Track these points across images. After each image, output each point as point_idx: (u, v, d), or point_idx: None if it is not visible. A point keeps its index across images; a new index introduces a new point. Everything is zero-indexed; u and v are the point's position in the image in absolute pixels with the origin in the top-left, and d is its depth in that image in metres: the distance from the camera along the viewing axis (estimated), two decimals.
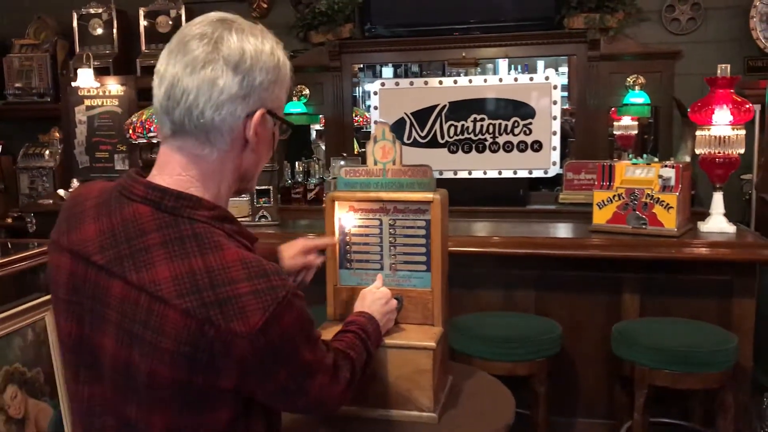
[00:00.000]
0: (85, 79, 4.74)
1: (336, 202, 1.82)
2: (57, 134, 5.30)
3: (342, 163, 4.44)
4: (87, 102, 4.86)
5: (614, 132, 4.91)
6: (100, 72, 5.00)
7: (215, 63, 1.18)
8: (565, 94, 5.29)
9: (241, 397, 1.19)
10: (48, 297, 2.81)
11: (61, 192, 4.38)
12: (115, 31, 5.23)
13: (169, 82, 1.19)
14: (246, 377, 1.15)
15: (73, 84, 4.84)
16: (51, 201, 4.42)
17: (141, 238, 1.16)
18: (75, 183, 4.39)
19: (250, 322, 1.11)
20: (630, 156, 4.47)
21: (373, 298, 1.71)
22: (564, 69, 5.82)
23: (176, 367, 1.12)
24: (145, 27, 5.15)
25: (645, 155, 3.30)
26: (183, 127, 1.20)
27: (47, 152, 5.27)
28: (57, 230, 1.27)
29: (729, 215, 3.11)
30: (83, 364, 1.24)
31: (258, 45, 1.21)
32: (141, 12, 5.16)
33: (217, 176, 1.24)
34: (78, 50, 5.26)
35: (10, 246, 3.18)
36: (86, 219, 1.23)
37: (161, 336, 1.12)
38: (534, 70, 6.27)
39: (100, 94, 4.80)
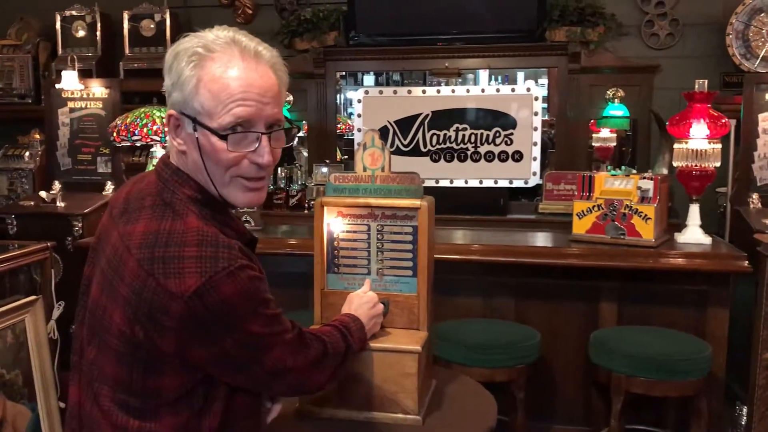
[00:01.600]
0: (69, 81, 4.72)
1: (325, 207, 1.85)
2: (37, 136, 5.26)
3: (324, 170, 4.47)
4: (70, 104, 4.83)
5: (593, 144, 4.98)
6: (83, 74, 4.97)
7: None
8: (545, 105, 5.35)
9: (188, 367, 1.24)
10: (28, 299, 2.80)
11: (42, 194, 4.35)
12: (98, 33, 5.21)
13: None
14: (184, 340, 1.20)
15: (57, 86, 4.81)
16: (33, 203, 4.39)
17: (142, 200, 1.30)
18: (57, 185, 4.37)
19: (186, 284, 1.17)
20: (608, 167, 4.54)
21: (360, 301, 1.74)
22: (544, 80, 5.89)
23: (124, 315, 1.22)
24: (128, 30, 5.14)
25: (623, 167, 3.37)
26: None
27: (27, 153, 5.23)
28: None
29: (705, 227, 3.18)
30: (82, 304, 1.38)
31: (170, 51, 1.31)
32: (125, 15, 5.15)
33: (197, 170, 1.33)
34: (60, 52, 5.24)
35: None
36: (127, 185, 1.42)
37: (121, 282, 1.23)
38: (514, 81, 6.33)
39: (84, 96, 4.78)
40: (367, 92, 4.58)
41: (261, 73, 1.29)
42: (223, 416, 1.30)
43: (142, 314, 1.20)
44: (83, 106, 4.78)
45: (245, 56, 1.28)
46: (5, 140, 5.38)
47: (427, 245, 1.79)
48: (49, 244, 3.28)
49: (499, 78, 6.69)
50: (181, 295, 1.17)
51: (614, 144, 4.92)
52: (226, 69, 1.26)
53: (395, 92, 4.62)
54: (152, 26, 5.11)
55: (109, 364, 1.26)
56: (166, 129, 1.36)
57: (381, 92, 4.65)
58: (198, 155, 1.29)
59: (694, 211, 3.16)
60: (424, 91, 4.55)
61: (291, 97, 5.01)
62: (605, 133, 4.85)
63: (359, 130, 4.49)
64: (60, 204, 4.25)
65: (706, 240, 3.11)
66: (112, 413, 1.26)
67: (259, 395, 1.42)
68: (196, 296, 1.17)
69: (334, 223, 1.85)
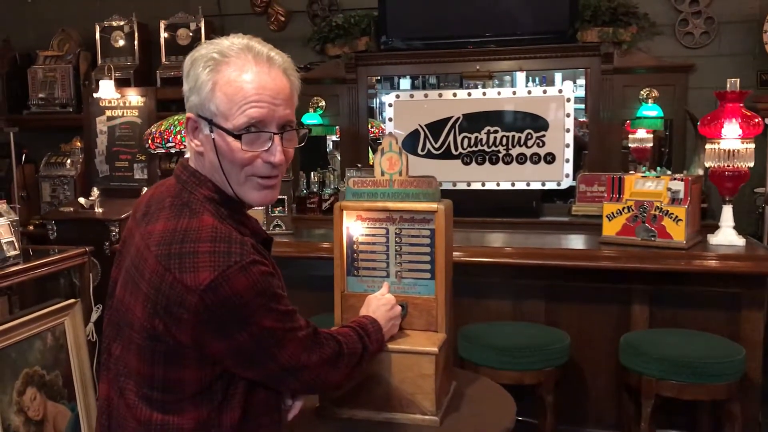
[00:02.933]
0: (106, 90, 4.85)
1: (344, 211, 1.88)
2: (78, 144, 5.40)
3: (355, 173, 4.50)
4: (108, 112, 4.97)
5: (629, 145, 4.92)
6: (121, 83, 5.11)
7: None
8: (582, 106, 5.31)
9: (207, 360, 1.30)
10: (67, 302, 2.88)
11: (81, 200, 4.47)
12: (136, 43, 5.33)
13: None
14: (201, 332, 1.26)
15: (95, 95, 4.94)
16: (72, 209, 4.51)
17: (163, 201, 1.37)
18: (95, 191, 4.48)
19: (199, 278, 1.23)
20: (644, 169, 4.49)
21: (378, 304, 1.77)
22: (582, 81, 5.84)
23: (145, 309, 1.28)
24: (165, 39, 5.25)
25: (659, 168, 3.33)
26: None
27: (68, 161, 5.38)
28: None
29: (742, 229, 3.13)
30: (109, 305, 1.43)
31: (188, 58, 1.38)
32: (162, 25, 5.26)
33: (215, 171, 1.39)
34: (100, 62, 5.37)
35: (31, 252, 3.26)
36: (150, 189, 1.50)
37: (141, 278, 1.30)
38: (552, 83, 6.29)
39: (121, 104, 4.90)
40: (398, 96, 4.61)
41: (273, 77, 1.35)
42: (243, 411, 1.34)
43: (160, 308, 1.26)
44: (120, 114, 4.91)
45: (258, 61, 1.34)
46: (48, 148, 5.54)
47: (445, 248, 1.81)
48: (87, 249, 3.37)
49: (536, 80, 6.65)
50: (195, 289, 1.23)
51: (651, 145, 4.86)
52: (241, 73, 1.32)
53: (426, 96, 4.64)
54: (189, 35, 5.21)
55: (132, 359, 1.32)
56: (184, 131, 1.40)
57: (412, 96, 4.67)
58: (215, 156, 1.35)
59: (728, 212, 3.11)
60: (455, 94, 4.56)
61: (323, 102, 5.06)
62: (642, 133, 4.79)
63: (384, 134, 4.51)
64: (98, 210, 4.37)
65: (740, 241, 3.06)
66: (136, 408, 1.32)
67: (279, 392, 1.45)
68: (210, 289, 1.23)
69: (354, 227, 1.88)
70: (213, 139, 1.34)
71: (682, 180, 3.03)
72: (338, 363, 1.48)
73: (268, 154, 1.35)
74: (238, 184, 1.37)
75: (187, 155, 1.47)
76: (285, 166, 1.39)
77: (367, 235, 1.87)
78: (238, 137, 1.32)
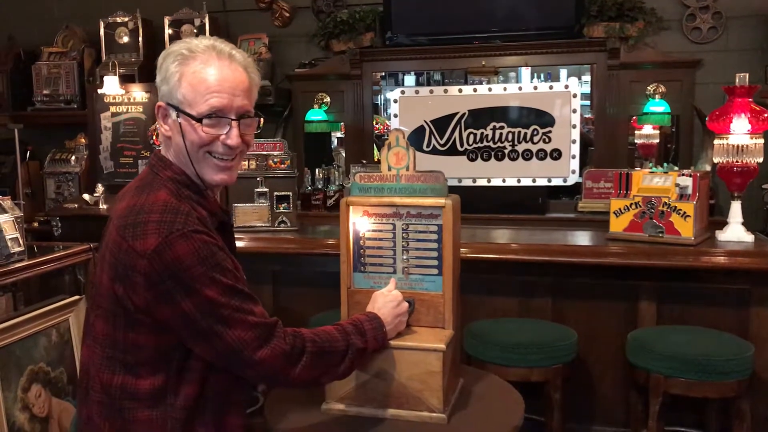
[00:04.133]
0: (110, 86, 4.84)
1: (350, 207, 1.86)
2: (83, 140, 5.40)
3: (360, 169, 4.48)
4: (112, 108, 4.96)
5: (635, 141, 4.90)
6: (126, 79, 5.10)
7: None
8: (588, 102, 5.29)
9: (160, 327, 1.42)
10: (71, 299, 2.87)
11: (86, 196, 4.46)
12: (140, 39, 5.32)
13: None
14: (150, 296, 1.40)
15: (99, 91, 4.94)
16: (76, 205, 4.50)
17: (131, 185, 1.56)
18: (100, 188, 4.47)
19: (147, 243, 1.39)
20: (651, 165, 4.46)
21: (385, 300, 1.76)
22: (587, 77, 5.82)
23: (109, 277, 1.44)
24: (169, 35, 5.23)
25: (666, 164, 3.30)
26: None
27: (73, 158, 5.37)
28: None
29: (751, 225, 3.10)
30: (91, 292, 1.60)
31: (163, 52, 1.55)
32: (166, 21, 5.24)
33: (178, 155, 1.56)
34: (104, 58, 5.36)
35: (36, 249, 3.24)
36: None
37: (106, 250, 1.47)
38: (557, 79, 6.27)
39: (125, 100, 4.89)
40: (403, 92, 4.59)
41: (233, 70, 1.52)
42: (201, 386, 1.47)
43: (120, 273, 1.41)
44: (124, 110, 4.90)
45: (221, 57, 1.51)
46: (53, 145, 5.54)
47: (452, 244, 1.79)
48: (91, 246, 3.36)
49: (542, 76, 6.63)
50: (143, 253, 1.38)
51: (657, 141, 4.84)
52: (205, 67, 1.49)
53: (431, 92, 4.62)
54: (193, 31, 5.19)
55: (100, 323, 1.48)
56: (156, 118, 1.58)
57: (417, 92, 4.65)
58: (180, 138, 1.51)
59: (736, 208, 3.08)
60: (460, 90, 4.54)
61: (328, 98, 5.05)
62: (648, 129, 4.77)
63: (390, 130, 4.49)
64: (103, 206, 4.35)
65: (748, 237, 3.03)
66: (101, 370, 1.48)
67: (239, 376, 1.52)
68: (155, 254, 1.38)
69: (360, 223, 1.86)
70: (180, 123, 1.50)
71: (690, 176, 3.00)
72: (299, 360, 1.51)
73: (226, 137, 1.52)
74: (197, 162, 1.53)
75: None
76: (244, 151, 1.57)
77: (373, 230, 1.86)
78: (199, 121, 1.49)
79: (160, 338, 1.44)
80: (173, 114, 1.51)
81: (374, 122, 5.29)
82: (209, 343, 1.43)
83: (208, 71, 1.49)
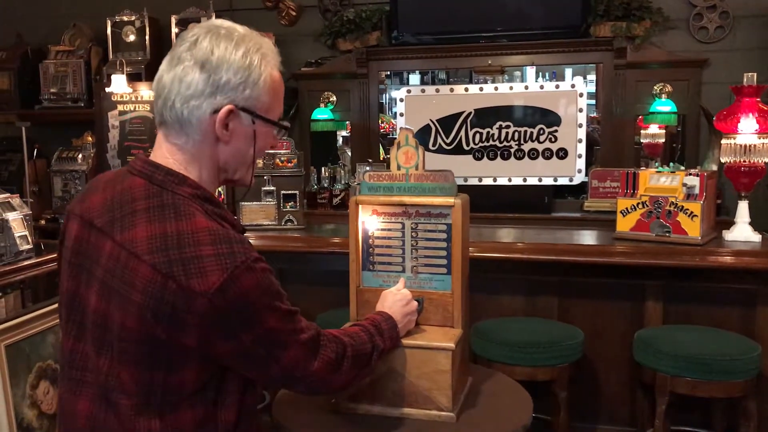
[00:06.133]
0: (118, 84, 4.85)
1: (360, 206, 1.86)
2: (90, 138, 5.41)
3: (367, 168, 4.49)
4: (120, 107, 4.97)
5: (641, 140, 4.90)
6: (133, 78, 5.11)
7: (187, 61, 1.31)
8: (593, 102, 5.28)
9: (208, 360, 1.28)
10: None
11: None
12: (147, 38, 5.33)
13: (156, 77, 1.36)
14: (207, 335, 1.24)
15: (107, 89, 4.95)
16: None
17: (131, 204, 1.30)
18: None
19: (209, 281, 1.21)
20: (657, 164, 4.46)
21: (394, 299, 1.76)
22: (592, 77, 5.82)
23: (142, 319, 1.23)
24: (176, 34, 5.24)
25: (672, 164, 3.30)
26: (163, 118, 1.35)
27: (80, 156, 5.38)
28: (73, 202, 1.44)
29: (758, 225, 3.10)
30: (72, 319, 1.36)
31: (229, 48, 1.32)
32: (173, 19, 5.25)
33: (197, 163, 1.36)
34: (111, 56, 5.37)
35: (43, 247, 3.26)
36: (97, 191, 1.38)
37: (132, 289, 1.24)
38: (562, 78, 6.26)
39: (133, 99, 4.90)
40: (409, 91, 4.59)
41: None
42: (239, 409, 1.34)
43: (163, 316, 1.22)
44: (132, 108, 4.91)
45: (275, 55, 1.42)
46: (60, 143, 5.54)
47: (462, 243, 1.79)
48: None
49: (546, 75, 6.63)
50: (205, 293, 1.21)
51: (663, 140, 4.83)
52: (276, 70, 1.39)
53: (437, 91, 4.62)
54: None
55: (126, 371, 1.28)
56: (216, 127, 1.34)
57: (423, 91, 4.65)
58: (244, 145, 1.38)
59: (743, 208, 3.08)
60: (466, 89, 4.54)
61: (334, 97, 5.06)
62: (654, 129, 4.76)
63: (400, 128, 4.50)
64: None
65: (756, 237, 3.03)
66: (132, 420, 1.28)
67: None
68: (220, 292, 1.22)
69: (369, 222, 1.87)
70: (254, 130, 1.37)
71: (697, 175, 3.01)
72: (341, 366, 1.47)
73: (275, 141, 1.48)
74: (248, 168, 1.42)
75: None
76: None
77: (382, 229, 1.86)
78: (284, 128, 1.43)
79: (204, 370, 1.29)
80: (246, 119, 1.35)
81: (380, 121, 5.29)
82: (266, 368, 1.34)
83: (278, 75, 1.40)
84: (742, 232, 3.06)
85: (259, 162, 3.40)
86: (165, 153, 1.36)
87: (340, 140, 5.83)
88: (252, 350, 1.30)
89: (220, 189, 2.85)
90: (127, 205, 1.31)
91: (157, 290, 1.22)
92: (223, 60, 1.31)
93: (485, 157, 4.49)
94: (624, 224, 3.14)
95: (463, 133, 4.50)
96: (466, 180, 4.41)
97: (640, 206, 3.08)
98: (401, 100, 4.55)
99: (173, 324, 1.23)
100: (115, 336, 1.27)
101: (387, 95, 6.69)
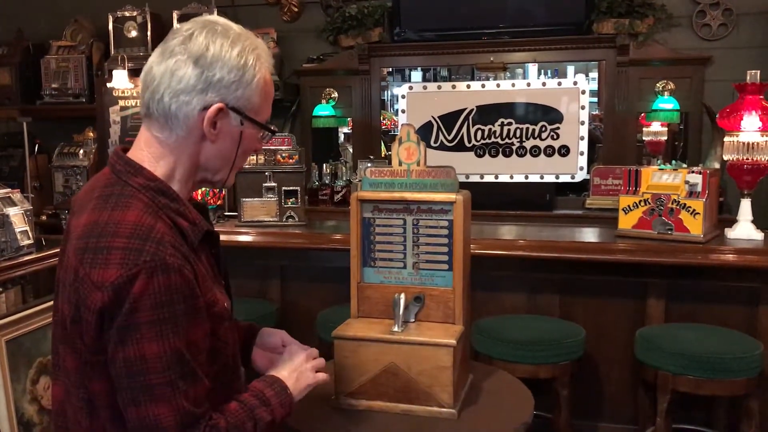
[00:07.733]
0: (119, 80, 4.85)
1: (361, 202, 1.86)
2: (91, 134, 5.41)
3: (369, 165, 4.48)
4: (121, 102, 4.97)
5: (643, 138, 4.89)
6: (134, 73, 5.09)
7: (180, 55, 1.28)
8: (595, 99, 5.27)
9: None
10: None
11: None
12: (149, 33, 5.32)
13: (146, 68, 1.33)
14: (99, 338, 1.19)
15: (108, 85, 4.94)
16: None
17: (91, 193, 1.31)
18: None
19: (107, 274, 1.16)
20: (659, 162, 4.45)
21: (282, 358, 1.56)
22: (594, 74, 5.81)
23: (68, 303, 1.23)
24: None
25: (674, 161, 3.29)
26: (149, 110, 1.32)
27: (81, 151, 5.38)
28: (75, 195, 1.45)
29: (761, 223, 3.09)
30: (55, 305, 1.34)
31: (225, 46, 1.29)
32: (174, 15, 5.24)
33: (172, 158, 1.33)
34: (113, 52, 5.37)
35: (44, 242, 3.25)
36: (89, 183, 1.40)
37: (65, 272, 1.26)
38: (564, 75, 6.25)
39: (134, 94, 4.90)
40: (411, 88, 4.59)
41: None
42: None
43: (75, 305, 1.21)
44: (133, 104, 4.90)
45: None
46: (61, 139, 5.54)
47: (463, 239, 1.78)
48: None
49: (548, 72, 6.61)
50: (101, 285, 1.16)
51: (665, 138, 4.83)
52: (269, 72, 1.36)
53: (439, 87, 4.61)
54: None
55: (69, 357, 1.26)
56: (204, 124, 1.30)
57: (425, 88, 4.64)
58: (230, 145, 1.35)
59: (746, 206, 3.07)
60: (468, 86, 4.53)
61: (336, 93, 5.05)
62: (656, 126, 4.76)
63: (402, 125, 4.49)
64: None
65: (758, 236, 3.02)
66: (81, 415, 1.27)
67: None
68: (114, 288, 1.16)
69: (370, 217, 1.86)
70: (241, 131, 1.35)
71: (700, 173, 2.99)
72: None
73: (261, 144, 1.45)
74: (229, 170, 1.39)
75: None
76: None
77: (384, 225, 1.85)
78: (272, 132, 1.41)
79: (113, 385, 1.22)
80: (234, 120, 1.32)
81: (381, 118, 5.28)
82: (123, 405, 1.20)
83: (270, 75, 1.36)
84: (744, 230, 3.05)
85: (261, 158, 3.40)
86: (142, 145, 1.34)
87: (341, 137, 5.82)
88: (117, 373, 1.18)
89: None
90: (89, 193, 1.31)
91: (74, 275, 1.21)
92: (218, 57, 1.28)
93: (487, 155, 4.49)
94: (626, 222, 3.13)
95: (464, 130, 4.49)
96: (467, 177, 4.41)
97: (642, 204, 3.07)
98: (403, 96, 4.54)
99: (78, 312, 1.20)
100: (59, 322, 1.27)
101: (389, 92, 6.69)
